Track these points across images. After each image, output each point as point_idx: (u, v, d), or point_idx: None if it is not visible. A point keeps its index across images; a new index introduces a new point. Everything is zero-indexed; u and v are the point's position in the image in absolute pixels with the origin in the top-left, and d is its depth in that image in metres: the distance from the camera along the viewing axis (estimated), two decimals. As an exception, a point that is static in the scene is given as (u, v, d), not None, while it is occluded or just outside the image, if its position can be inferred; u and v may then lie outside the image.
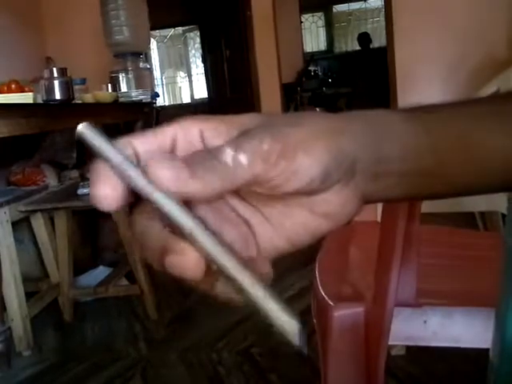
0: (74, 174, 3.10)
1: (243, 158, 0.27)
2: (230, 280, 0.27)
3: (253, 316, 2.37)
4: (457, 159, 0.33)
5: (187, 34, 9.56)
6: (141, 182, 0.27)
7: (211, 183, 0.27)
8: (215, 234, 0.27)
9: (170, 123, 0.30)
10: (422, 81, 4.61)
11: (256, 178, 0.28)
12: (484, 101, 0.36)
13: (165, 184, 0.26)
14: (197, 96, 9.51)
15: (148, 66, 4.31)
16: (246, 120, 0.30)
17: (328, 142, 0.29)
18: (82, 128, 0.28)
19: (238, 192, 0.32)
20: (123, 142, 0.29)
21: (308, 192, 0.30)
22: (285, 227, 0.32)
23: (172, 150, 0.30)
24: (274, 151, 0.27)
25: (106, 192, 0.27)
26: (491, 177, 0.34)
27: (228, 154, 0.27)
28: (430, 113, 0.34)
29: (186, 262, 0.26)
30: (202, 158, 0.27)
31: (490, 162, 0.33)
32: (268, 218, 0.32)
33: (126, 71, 3.94)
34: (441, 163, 0.33)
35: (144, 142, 0.29)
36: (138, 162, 0.28)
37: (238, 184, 0.27)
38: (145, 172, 0.27)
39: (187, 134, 0.30)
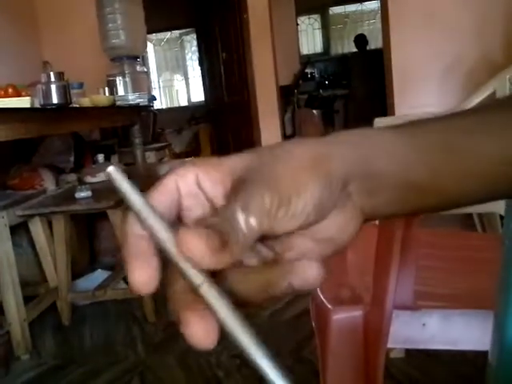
0: (72, 177, 3.10)
1: (253, 221, 0.28)
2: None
3: (250, 319, 2.37)
4: (448, 171, 0.33)
5: (184, 37, 9.57)
6: (168, 245, 0.28)
7: (235, 252, 0.28)
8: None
9: (167, 174, 0.31)
10: (419, 82, 4.62)
11: (264, 232, 0.29)
12: (471, 112, 0.37)
13: (196, 256, 0.27)
14: (194, 99, 9.51)
15: (145, 70, 4.31)
16: (237, 163, 0.31)
17: (316, 173, 0.30)
18: (111, 170, 0.29)
19: None
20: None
21: (306, 226, 0.30)
22: (288, 257, 0.32)
23: (179, 200, 0.31)
24: (274, 205, 0.29)
25: (144, 278, 0.29)
26: (483, 187, 0.35)
27: (241, 220, 0.28)
28: (419, 127, 0.34)
29: (194, 334, 0.29)
30: (219, 226, 0.28)
31: (481, 173, 0.34)
32: (271, 249, 0.33)
33: (122, 75, 3.94)
34: (433, 176, 0.33)
35: (158, 201, 0.30)
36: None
37: (250, 243, 0.29)
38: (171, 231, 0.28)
39: (185, 181, 0.31)
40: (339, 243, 0.32)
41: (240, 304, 0.31)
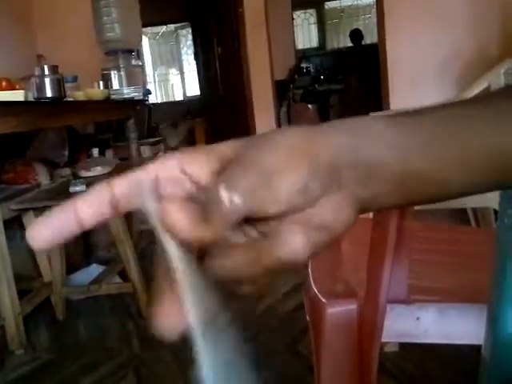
0: (66, 171, 3.09)
1: (236, 199, 0.29)
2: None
3: (246, 314, 2.37)
4: (447, 160, 0.33)
5: (179, 31, 9.54)
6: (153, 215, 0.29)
7: (217, 227, 0.29)
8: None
9: (152, 161, 0.32)
10: (414, 77, 4.62)
11: (249, 211, 0.29)
12: (471, 102, 0.36)
13: (177, 227, 0.28)
14: (189, 93, 9.49)
15: (140, 63, 4.30)
16: (224, 148, 0.32)
17: (303, 155, 0.30)
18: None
19: None
20: (103, 185, 0.31)
21: (293, 209, 0.31)
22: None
23: (154, 189, 0.31)
24: (257, 184, 0.29)
25: (41, 231, 0.31)
26: (483, 176, 0.34)
27: (224, 197, 0.29)
28: (418, 115, 0.34)
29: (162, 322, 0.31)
30: (204, 202, 0.29)
31: (481, 162, 0.33)
32: (265, 236, 0.33)
33: (117, 68, 3.92)
34: (433, 164, 0.33)
35: (122, 184, 0.31)
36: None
37: (234, 221, 0.30)
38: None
39: (168, 169, 0.31)
40: (332, 232, 0.32)
41: (232, 282, 0.31)
